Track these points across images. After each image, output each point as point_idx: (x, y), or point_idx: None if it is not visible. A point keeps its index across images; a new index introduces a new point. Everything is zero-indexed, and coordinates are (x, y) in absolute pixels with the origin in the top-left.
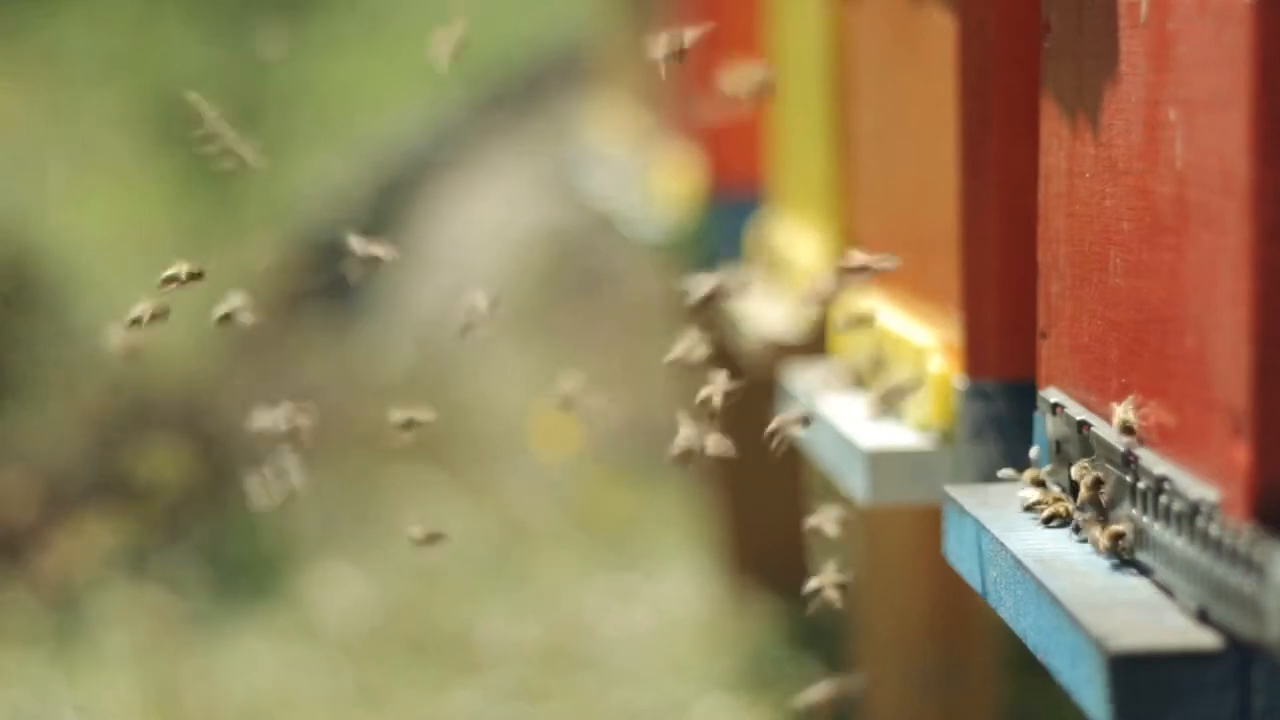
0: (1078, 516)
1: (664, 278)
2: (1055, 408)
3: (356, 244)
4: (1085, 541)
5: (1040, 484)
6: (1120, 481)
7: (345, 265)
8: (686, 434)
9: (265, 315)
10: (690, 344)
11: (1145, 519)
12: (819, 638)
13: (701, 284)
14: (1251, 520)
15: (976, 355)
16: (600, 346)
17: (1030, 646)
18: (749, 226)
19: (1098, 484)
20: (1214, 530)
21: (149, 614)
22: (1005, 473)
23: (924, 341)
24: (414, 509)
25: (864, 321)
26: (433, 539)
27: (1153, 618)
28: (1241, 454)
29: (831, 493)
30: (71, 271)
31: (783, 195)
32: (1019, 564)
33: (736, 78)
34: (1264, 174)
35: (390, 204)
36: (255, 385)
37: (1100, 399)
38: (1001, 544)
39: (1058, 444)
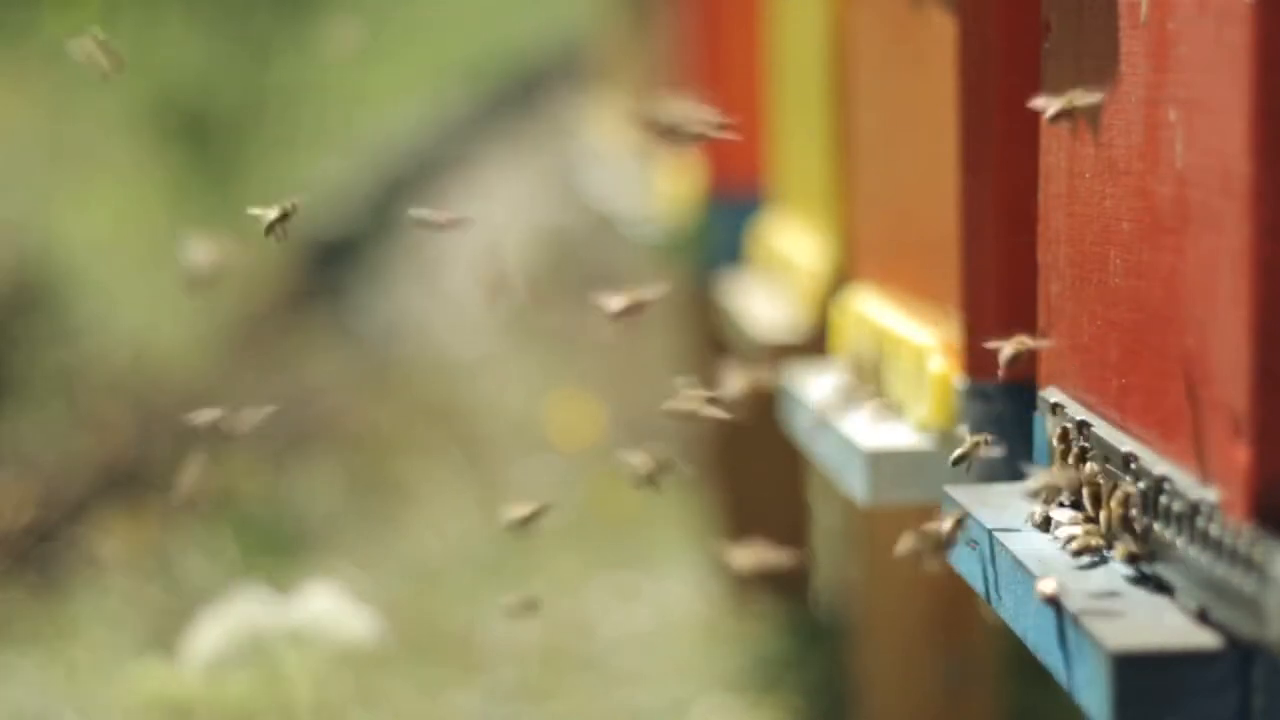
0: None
1: (664, 278)
2: (1055, 408)
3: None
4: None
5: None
6: (1119, 481)
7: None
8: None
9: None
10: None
11: (1145, 519)
12: (819, 638)
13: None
14: (1251, 520)
15: (976, 355)
16: (600, 346)
17: (1030, 646)
18: (749, 226)
19: (1126, 501)
20: (1214, 530)
21: (149, 611)
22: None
23: (924, 341)
24: (414, 508)
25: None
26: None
27: (1153, 618)
28: (1241, 454)
29: (832, 493)
30: (71, 271)
31: (783, 196)
32: (1019, 564)
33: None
34: (1264, 174)
35: (391, 204)
36: (254, 385)
37: (1100, 399)
38: (1001, 544)
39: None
